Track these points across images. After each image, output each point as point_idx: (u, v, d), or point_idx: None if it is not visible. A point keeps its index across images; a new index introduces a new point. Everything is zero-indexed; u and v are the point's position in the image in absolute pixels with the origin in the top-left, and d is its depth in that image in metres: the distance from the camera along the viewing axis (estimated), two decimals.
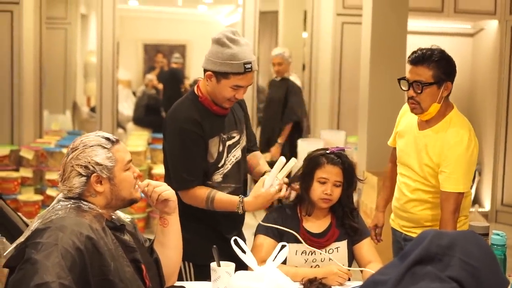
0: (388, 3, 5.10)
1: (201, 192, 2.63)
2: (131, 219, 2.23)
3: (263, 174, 2.77)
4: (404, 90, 2.80)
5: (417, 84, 2.73)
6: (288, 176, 2.67)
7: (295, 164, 2.62)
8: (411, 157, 2.88)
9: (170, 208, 2.23)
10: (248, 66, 2.56)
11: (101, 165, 2.00)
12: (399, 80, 2.84)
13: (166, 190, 2.19)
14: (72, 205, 1.98)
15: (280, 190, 2.58)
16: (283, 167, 2.58)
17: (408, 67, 2.79)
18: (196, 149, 2.63)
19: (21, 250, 1.85)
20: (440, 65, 2.72)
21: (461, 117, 2.85)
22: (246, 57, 2.57)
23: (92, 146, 2.01)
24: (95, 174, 2.00)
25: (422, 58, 2.73)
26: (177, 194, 2.54)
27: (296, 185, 2.67)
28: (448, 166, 2.72)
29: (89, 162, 1.99)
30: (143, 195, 2.20)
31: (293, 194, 2.70)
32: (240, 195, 2.63)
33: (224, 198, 2.63)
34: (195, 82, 2.84)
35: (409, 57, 2.79)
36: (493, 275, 1.34)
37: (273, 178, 2.58)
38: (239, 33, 2.64)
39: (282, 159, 2.57)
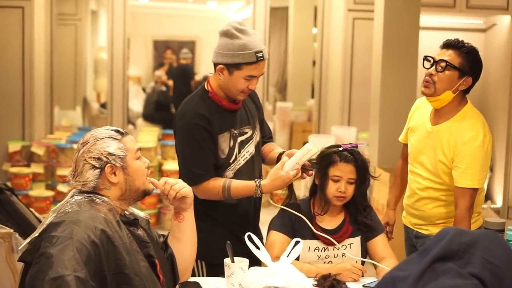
0: None
1: (216, 184, 2.61)
2: (145, 215, 2.23)
3: (279, 155, 2.74)
4: (426, 68, 2.81)
5: (442, 61, 2.75)
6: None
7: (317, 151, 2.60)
8: (423, 153, 2.86)
9: (186, 204, 2.24)
10: (259, 54, 2.55)
11: (114, 155, 2.02)
12: (425, 57, 2.84)
13: (183, 188, 2.20)
14: (86, 199, 1.98)
15: (296, 174, 2.56)
16: (305, 154, 2.57)
17: (438, 51, 2.82)
18: (205, 143, 2.61)
19: (36, 244, 1.85)
20: (469, 57, 2.76)
21: (476, 112, 2.82)
22: (256, 46, 2.55)
23: (103, 138, 2.03)
24: (109, 164, 2.01)
25: (454, 44, 2.79)
26: None
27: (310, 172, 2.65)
28: (463, 162, 2.69)
29: (102, 153, 2.01)
30: (155, 190, 2.19)
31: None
32: (256, 179, 2.61)
33: (240, 185, 2.61)
34: (205, 78, 2.82)
35: (442, 43, 2.83)
36: None
37: (294, 162, 2.56)
38: (245, 24, 2.62)
39: (308, 146, 2.56)
